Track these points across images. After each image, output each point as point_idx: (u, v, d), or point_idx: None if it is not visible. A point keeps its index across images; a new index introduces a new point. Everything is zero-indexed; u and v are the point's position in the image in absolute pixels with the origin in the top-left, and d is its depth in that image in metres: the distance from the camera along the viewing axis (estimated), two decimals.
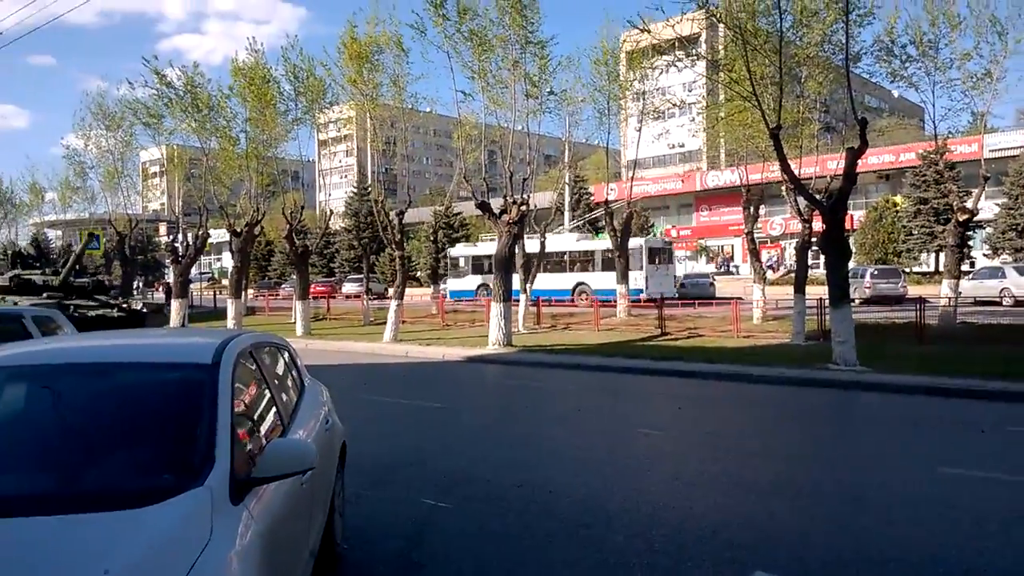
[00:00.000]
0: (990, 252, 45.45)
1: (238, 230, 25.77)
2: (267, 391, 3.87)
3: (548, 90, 21.66)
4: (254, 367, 3.80)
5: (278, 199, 28.46)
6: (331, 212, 35.23)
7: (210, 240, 35.31)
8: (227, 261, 30.47)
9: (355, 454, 5.72)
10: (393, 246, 22.67)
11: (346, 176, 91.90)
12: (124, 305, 21.95)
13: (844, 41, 13.88)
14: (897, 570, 4.54)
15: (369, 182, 65.83)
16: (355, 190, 70.19)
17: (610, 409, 11.00)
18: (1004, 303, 27.45)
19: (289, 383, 4.56)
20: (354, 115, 29.28)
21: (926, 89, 18.63)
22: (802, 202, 18.66)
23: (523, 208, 19.39)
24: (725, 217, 61.98)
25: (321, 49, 47.05)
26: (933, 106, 19.19)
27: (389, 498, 6.12)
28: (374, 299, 33.65)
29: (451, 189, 52.94)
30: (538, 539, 5.15)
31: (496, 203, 20.09)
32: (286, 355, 4.81)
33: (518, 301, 23.97)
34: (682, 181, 66.77)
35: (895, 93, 47.20)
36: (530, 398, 12.22)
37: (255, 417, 3.58)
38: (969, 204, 20.24)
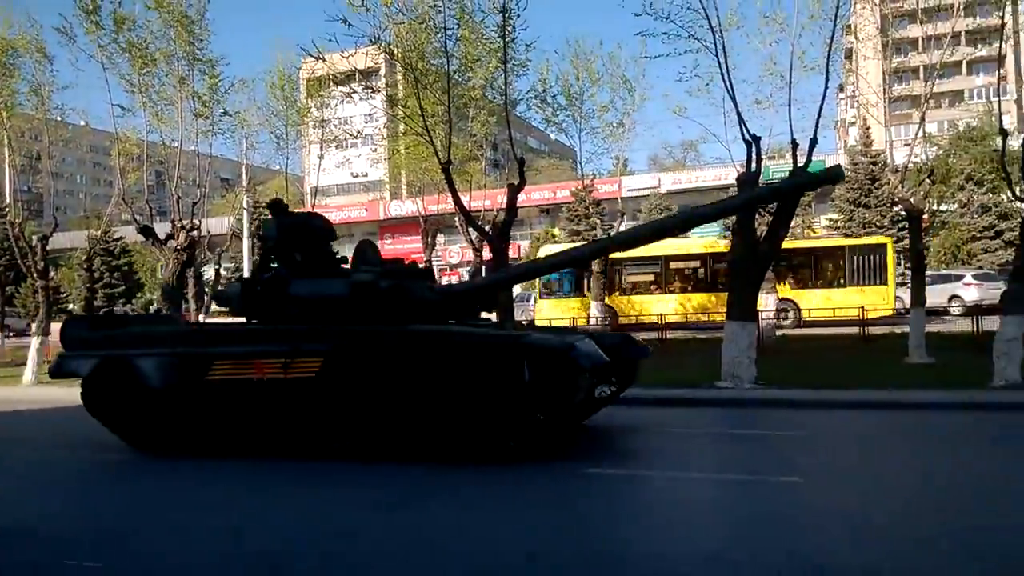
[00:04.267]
0: None
1: None
2: None
3: (221, 111, 20.72)
4: None
5: None
6: None
7: None
8: None
9: None
10: (35, 275, 19.88)
11: None
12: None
13: (504, 87, 15.29)
14: None
15: (7, 201, 56.85)
16: None
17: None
18: None
19: None
20: None
21: (574, 134, 21.24)
22: (474, 232, 20.00)
23: (192, 234, 18.24)
24: (408, 245, 63.75)
25: None
26: (580, 150, 21.93)
27: (27, 562, 5.39)
28: (11, 336, 29.10)
29: (109, 211, 47.81)
30: None
31: (165, 228, 18.65)
32: None
33: None
34: (366, 210, 67.66)
35: (552, 136, 52.65)
36: None
37: None
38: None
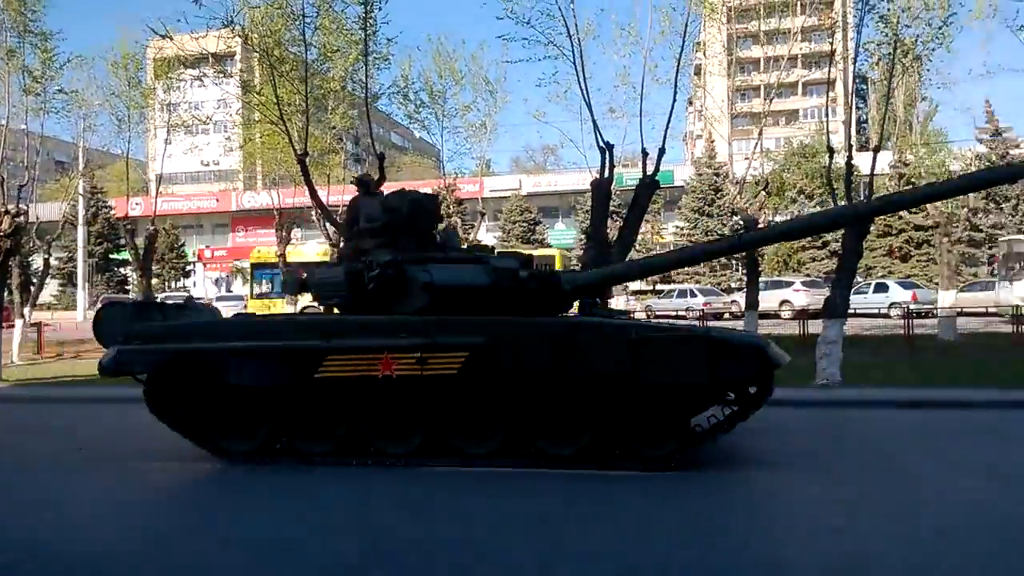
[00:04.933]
0: None
1: None
2: None
3: (56, 88, 19.16)
4: None
5: None
6: None
7: None
8: None
9: None
10: None
11: None
12: None
13: (365, 80, 15.09)
14: None
15: None
16: None
17: (118, 443, 9.99)
18: None
19: None
20: None
21: (437, 132, 21.26)
22: (331, 227, 19.57)
23: (19, 219, 16.74)
24: (262, 239, 61.44)
25: None
26: (443, 148, 21.99)
27: None
28: None
29: None
30: None
31: None
32: None
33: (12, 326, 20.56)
34: (217, 200, 64.53)
35: (416, 133, 52.37)
36: (19, 440, 10.50)
37: None
38: (472, 236, 23.51)
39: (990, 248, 36.55)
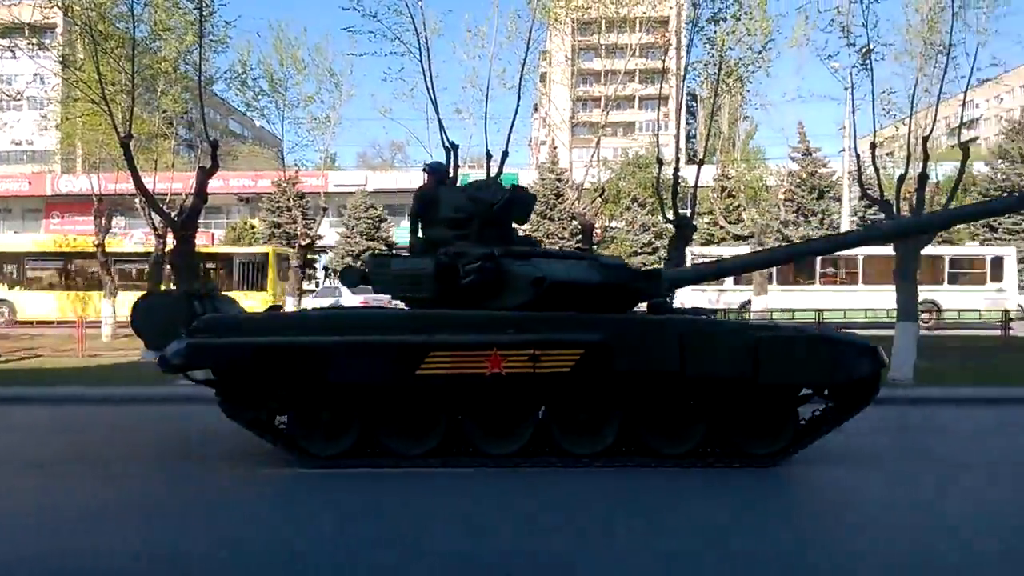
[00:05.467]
0: (332, 274, 51.97)
1: None
2: None
3: None
4: None
5: None
6: None
7: None
8: None
9: None
10: None
11: None
12: None
13: (199, 62, 14.34)
14: None
15: None
16: None
17: None
18: None
19: None
20: None
21: (277, 123, 20.53)
22: (157, 217, 18.45)
23: None
24: (80, 227, 56.66)
25: None
26: (284, 139, 21.27)
27: None
28: None
29: None
30: None
31: None
32: None
33: None
34: (30, 183, 58.84)
35: (257, 123, 50.26)
36: None
37: None
38: (314, 231, 22.89)
39: None
